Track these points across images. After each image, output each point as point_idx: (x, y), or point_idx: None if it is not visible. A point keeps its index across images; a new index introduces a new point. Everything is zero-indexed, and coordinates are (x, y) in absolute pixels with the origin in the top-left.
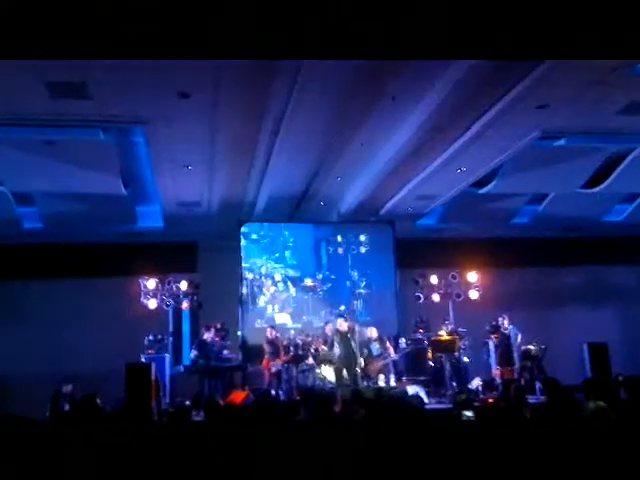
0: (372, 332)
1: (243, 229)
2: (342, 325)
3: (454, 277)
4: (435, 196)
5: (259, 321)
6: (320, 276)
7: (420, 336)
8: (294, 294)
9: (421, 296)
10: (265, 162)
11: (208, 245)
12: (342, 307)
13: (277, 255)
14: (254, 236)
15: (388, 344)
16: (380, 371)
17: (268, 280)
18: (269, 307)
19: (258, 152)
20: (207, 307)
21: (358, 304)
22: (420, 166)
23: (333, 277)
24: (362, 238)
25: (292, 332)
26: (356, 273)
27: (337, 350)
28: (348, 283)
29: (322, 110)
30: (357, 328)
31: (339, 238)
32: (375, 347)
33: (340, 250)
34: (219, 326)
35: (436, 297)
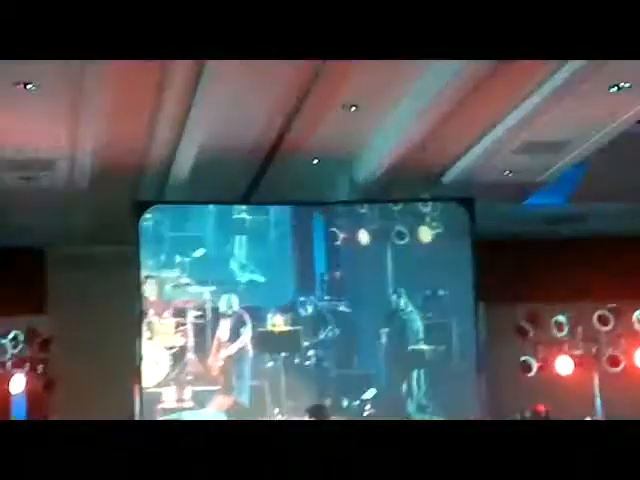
0: None
1: (146, 217)
2: None
3: (604, 320)
4: (563, 143)
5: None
6: (309, 308)
7: None
8: (233, 356)
9: (533, 363)
10: (193, 77)
11: (68, 254)
12: (371, 391)
13: (201, 253)
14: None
15: None
16: None
17: (165, 316)
18: (164, 392)
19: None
20: (67, 388)
21: (418, 382)
22: (528, 74)
23: (342, 308)
24: (424, 208)
25: None
26: (404, 298)
27: None
28: (382, 332)
29: None
30: None
31: (362, 209)
32: None
33: (364, 237)
34: None
35: (566, 364)
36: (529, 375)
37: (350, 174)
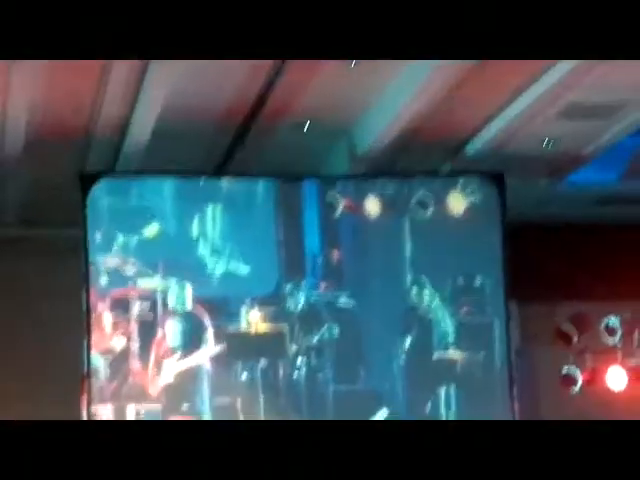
0: None
1: (95, 192)
2: None
3: None
4: (615, 106)
5: None
6: (298, 301)
7: None
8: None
9: (578, 375)
10: None
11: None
12: (382, 413)
13: (154, 231)
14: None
15: None
16: None
17: (99, 310)
18: (100, 411)
19: None
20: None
21: (447, 402)
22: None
23: (343, 301)
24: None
25: None
26: (427, 289)
27: None
28: (397, 334)
29: None
30: None
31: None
32: None
33: (373, 207)
34: None
35: (619, 377)
36: (573, 390)
37: (350, 142)
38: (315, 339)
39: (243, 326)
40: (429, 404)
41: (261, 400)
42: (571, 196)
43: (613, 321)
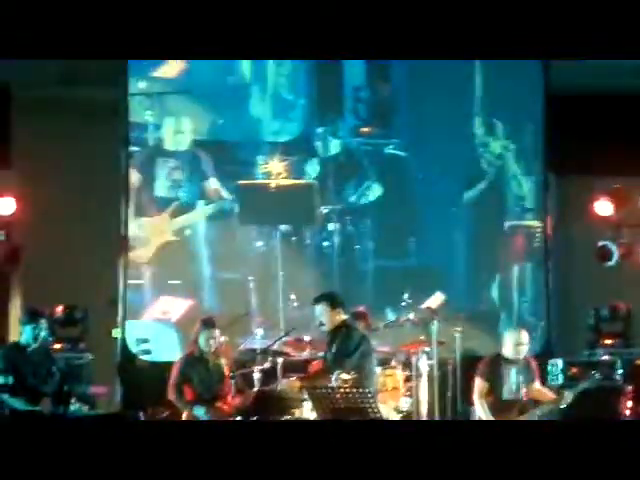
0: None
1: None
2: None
3: None
4: None
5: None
6: (332, 146)
7: (608, 354)
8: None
9: (614, 248)
10: None
11: (40, 97)
12: (436, 297)
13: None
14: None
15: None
16: None
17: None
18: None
19: None
20: (34, 260)
21: (521, 284)
22: None
23: (391, 150)
24: None
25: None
26: (501, 135)
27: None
28: (459, 194)
29: None
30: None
31: None
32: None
33: None
34: (62, 311)
35: None
36: (609, 263)
37: None
38: (352, 199)
39: (259, 180)
40: (496, 285)
41: (280, 276)
42: (614, 66)
43: None
